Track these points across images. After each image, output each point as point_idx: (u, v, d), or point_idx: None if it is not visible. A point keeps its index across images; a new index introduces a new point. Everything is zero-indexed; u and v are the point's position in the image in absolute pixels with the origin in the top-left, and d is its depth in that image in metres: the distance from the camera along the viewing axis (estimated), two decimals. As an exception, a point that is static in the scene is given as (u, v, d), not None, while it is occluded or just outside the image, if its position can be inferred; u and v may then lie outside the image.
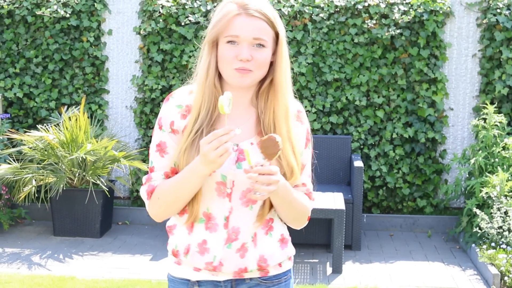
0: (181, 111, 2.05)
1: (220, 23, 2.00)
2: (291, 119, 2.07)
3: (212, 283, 2.08)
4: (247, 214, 2.05)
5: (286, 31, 6.04)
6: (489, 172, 5.93)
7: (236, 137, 2.02)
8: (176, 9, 6.67)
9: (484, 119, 6.28)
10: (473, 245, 5.67)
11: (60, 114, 6.55)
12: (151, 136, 6.80)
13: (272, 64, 2.05)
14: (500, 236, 5.41)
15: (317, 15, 6.56)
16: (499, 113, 6.43)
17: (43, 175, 5.98)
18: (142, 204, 6.84)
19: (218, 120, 2.03)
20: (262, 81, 2.06)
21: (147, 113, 6.82)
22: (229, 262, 2.04)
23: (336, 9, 6.56)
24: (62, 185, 5.84)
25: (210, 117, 2.02)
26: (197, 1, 6.70)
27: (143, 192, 2.08)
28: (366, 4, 6.51)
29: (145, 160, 6.70)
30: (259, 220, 2.06)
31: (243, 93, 2.07)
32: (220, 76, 2.05)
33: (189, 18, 6.63)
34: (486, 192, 5.67)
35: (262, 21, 2.00)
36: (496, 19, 6.39)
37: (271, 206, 2.07)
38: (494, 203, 5.57)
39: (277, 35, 2.04)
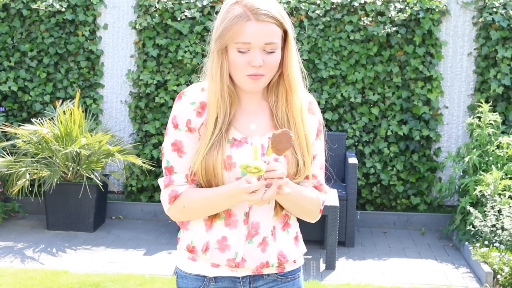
0: (196, 108, 2.02)
1: (229, 30, 1.95)
2: (304, 112, 2.06)
3: (230, 279, 2.06)
4: (265, 208, 2.04)
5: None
6: (483, 171, 5.94)
7: (252, 132, 2.03)
8: (172, 4, 6.65)
9: (479, 118, 6.29)
10: (467, 243, 5.68)
11: (55, 108, 6.53)
12: (145, 131, 6.79)
13: (281, 59, 2.02)
14: (493, 235, 5.42)
15: (313, 11, 6.55)
16: (494, 111, 6.44)
17: (37, 169, 5.96)
18: (136, 199, 6.83)
19: (234, 119, 2.03)
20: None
21: (142, 108, 6.80)
22: (251, 257, 2.03)
23: (332, 6, 6.56)
24: (56, 179, 5.82)
25: (226, 119, 2.00)
26: (193, -4, 6.68)
27: (164, 196, 2.04)
28: (362, 1, 6.50)
29: (139, 154, 6.69)
30: (276, 214, 2.06)
31: None
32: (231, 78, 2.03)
33: (185, 13, 6.62)
34: (480, 190, 5.68)
35: (272, 24, 1.95)
36: (492, 18, 6.40)
37: None
38: (488, 202, 5.58)
39: (285, 32, 2.01)
